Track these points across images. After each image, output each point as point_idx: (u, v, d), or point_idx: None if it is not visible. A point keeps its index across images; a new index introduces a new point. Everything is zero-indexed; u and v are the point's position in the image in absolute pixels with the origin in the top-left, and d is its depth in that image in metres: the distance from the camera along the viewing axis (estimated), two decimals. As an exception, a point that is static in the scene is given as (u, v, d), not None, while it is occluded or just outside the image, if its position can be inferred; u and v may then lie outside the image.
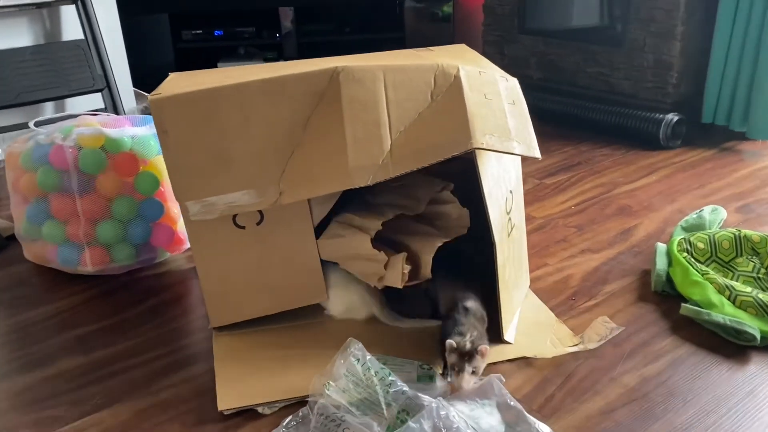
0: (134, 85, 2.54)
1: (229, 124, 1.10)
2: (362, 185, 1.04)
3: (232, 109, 1.10)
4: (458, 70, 1.10)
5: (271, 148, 1.11)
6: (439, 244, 1.16)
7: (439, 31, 3.41)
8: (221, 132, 1.11)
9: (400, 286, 1.14)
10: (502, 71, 1.22)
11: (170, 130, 1.10)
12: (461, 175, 1.22)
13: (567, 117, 2.40)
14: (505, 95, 1.12)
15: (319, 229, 1.23)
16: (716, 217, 1.58)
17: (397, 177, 1.21)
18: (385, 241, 1.20)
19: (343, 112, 1.07)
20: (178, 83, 1.17)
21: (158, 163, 1.52)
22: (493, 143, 1.03)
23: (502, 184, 1.17)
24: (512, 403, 1.02)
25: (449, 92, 1.09)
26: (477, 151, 1.06)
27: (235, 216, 1.18)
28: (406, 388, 1.03)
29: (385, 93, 1.09)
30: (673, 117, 2.15)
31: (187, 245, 1.58)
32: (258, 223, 1.19)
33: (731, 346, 1.21)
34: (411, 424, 0.95)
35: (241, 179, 1.12)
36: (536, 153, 1.09)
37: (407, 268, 1.15)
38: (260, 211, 1.18)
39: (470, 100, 1.07)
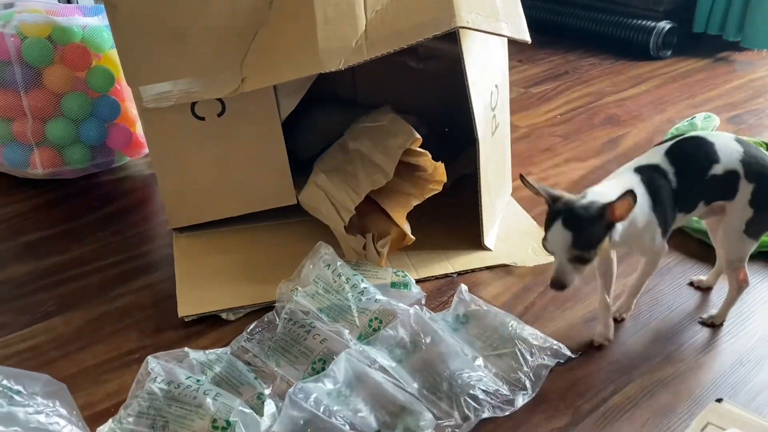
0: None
1: (185, -2, 0.99)
2: (333, 69, 0.94)
3: (188, -18, 0.99)
4: (442, -58, 0.98)
5: (232, 27, 1.01)
6: (410, 209, 1.08)
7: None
8: (177, 7, 1.00)
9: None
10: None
11: (119, 4, 1.00)
12: (445, 74, 1.13)
13: (554, 25, 2.30)
14: (493, -27, 1.01)
15: (288, 125, 1.13)
16: (709, 124, 1.51)
17: (376, 116, 1.12)
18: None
19: (312, -12, 0.96)
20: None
21: (113, 57, 1.40)
22: (479, 23, 0.93)
23: (487, 75, 1.07)
24: (485, 308, 0.98)
25: (431, -33, 0.97)
26: (462, 33, 0.97)
27: (193, 105, 1.08)
28: (379, 295, 0.97)
29: (360, -34, 0.98)
30: (664, 25, 2.06)
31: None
32: (219, 114, 1.09)
33: (720, 254, 1.16)
34: (388, 330, 0.90)
35: (199, 62, 1.02)
36: (526, 36, 0.99)
37: (386, 240, 1.08)
38: (221, 101, 1.08)
39: (455, -24, 0.96)
